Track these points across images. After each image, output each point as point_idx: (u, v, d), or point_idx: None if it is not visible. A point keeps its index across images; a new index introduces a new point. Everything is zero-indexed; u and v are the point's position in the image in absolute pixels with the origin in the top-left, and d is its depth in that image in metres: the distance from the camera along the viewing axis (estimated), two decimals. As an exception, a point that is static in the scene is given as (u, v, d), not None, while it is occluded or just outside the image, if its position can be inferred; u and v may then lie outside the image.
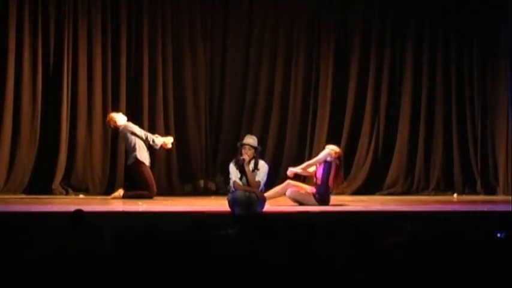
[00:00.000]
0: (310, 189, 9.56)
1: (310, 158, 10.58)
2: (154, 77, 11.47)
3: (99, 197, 10.66)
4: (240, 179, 8.62)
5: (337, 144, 11.72)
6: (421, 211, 9.15)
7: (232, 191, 8.62)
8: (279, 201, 9.59)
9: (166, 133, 11.08)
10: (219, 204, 9.18)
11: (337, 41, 11.90)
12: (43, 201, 9.92)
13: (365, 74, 11.91)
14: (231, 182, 8.67)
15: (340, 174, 9.65)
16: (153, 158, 11.13)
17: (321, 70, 11.87)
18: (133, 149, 10.35)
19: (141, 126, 11.33)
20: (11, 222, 5.59)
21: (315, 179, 9.64)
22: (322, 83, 11.85)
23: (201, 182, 11.55)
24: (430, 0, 12.00)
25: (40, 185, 10.94)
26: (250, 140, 8.78)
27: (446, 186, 11.78)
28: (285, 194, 9.61)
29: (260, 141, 9.00)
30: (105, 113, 11.22)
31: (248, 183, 8.62)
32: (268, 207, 8.86)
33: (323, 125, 11.81)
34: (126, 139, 10.45)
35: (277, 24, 11.86)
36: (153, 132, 11.00)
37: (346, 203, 9.97)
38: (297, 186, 9.65)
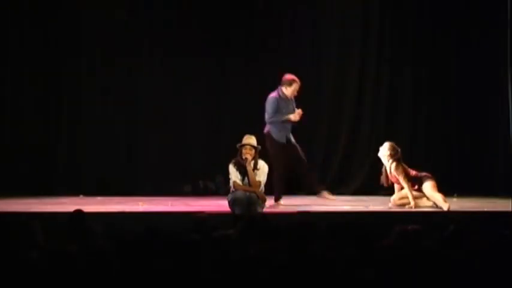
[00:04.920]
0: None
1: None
2: (154, 76, 11.47)
3: (99, 197, 10.63)
4: (242, 180, 8.61)
5: (337, 143, 11.76)
6: (421, 211, 9.14)
7: (232, 191, 8.62)
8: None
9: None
10: (219, 204, 9.17)
11: (337, 40, 11.89)
12: (43, 201, 9.91)
13: (365, 73, 11.90)
14: (231, 182, 8.66)
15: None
16: (153, 158, 11.17)
17: (320, 70, 11.85)
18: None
19: (141, 126, 11.37)
20: (11, 222, 5.60)
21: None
22: (322, 82, 11.84)
23: (201, 182, 11.53)
24: (430, 0, 12.00)
25: (40, 185, 10.93)
26: (251, 140, 8.76)
27: (446, 186, 11.76)
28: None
29: (260, 141, 8.97)
30: (104, 113, 11.24)
31: (249, 183, 8.61)
32: (268, 207, 8.85)
33: (323, 125, 11.78)
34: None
35: (280, 25, 11.86)
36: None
37: (347, 203, 9.95)
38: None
